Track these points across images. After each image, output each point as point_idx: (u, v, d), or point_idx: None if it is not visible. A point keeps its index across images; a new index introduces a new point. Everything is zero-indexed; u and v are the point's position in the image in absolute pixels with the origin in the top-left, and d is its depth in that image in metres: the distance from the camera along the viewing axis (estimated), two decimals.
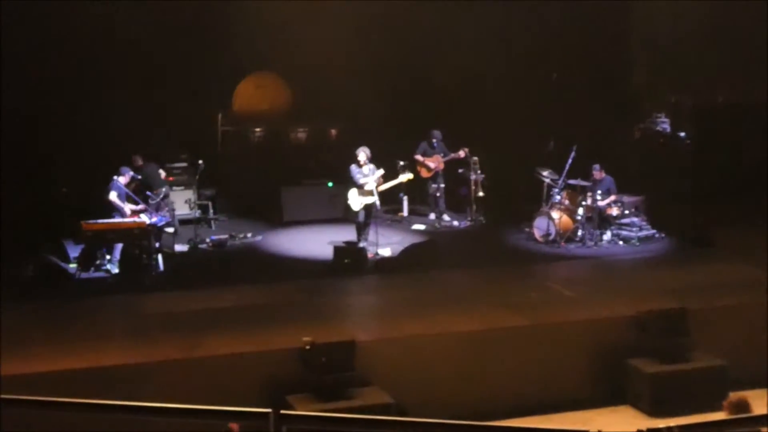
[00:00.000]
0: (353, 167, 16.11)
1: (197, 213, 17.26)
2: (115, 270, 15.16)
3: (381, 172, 16.40)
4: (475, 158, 17.92)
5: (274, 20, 18.52)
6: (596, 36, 20.17)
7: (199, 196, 17.44)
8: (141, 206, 15.66)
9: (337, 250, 15.64)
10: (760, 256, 15.62)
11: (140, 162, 16.82)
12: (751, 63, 20.53)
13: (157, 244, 15.57)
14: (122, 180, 15.38)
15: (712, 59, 20.33)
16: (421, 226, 17.89)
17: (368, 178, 16.26)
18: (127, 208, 15.50)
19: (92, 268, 15.26)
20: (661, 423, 10.65)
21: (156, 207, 15.97)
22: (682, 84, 21.06)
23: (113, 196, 15.25)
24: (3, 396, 4.92)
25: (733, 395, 10.01)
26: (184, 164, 17.71)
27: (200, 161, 17.35)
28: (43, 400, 5.03)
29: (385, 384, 12.43)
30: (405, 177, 17.12)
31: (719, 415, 9.67)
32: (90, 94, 17.64)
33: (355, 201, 16.30)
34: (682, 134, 21.06)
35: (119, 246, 15.24)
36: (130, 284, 14.92)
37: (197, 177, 17.39)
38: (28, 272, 15.04)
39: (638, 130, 21.16)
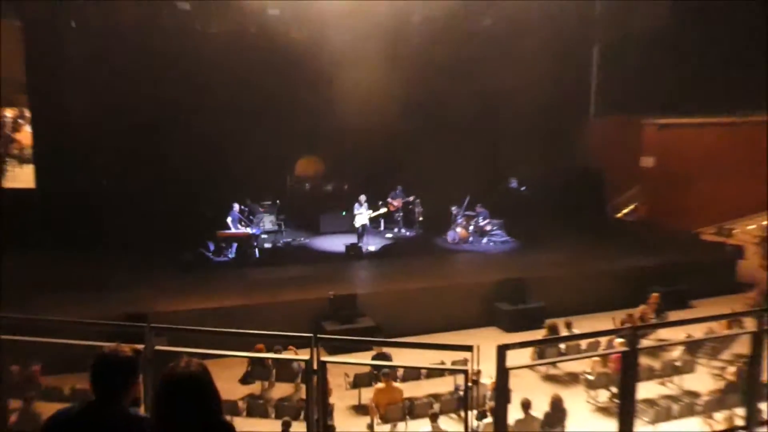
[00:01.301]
0: (356, 205, 19.22)
1: (275, 227, 19.79)
2: (232, 256, 17.87)
3: (370, 212, 19.09)
4: (418, 200, 20.97)
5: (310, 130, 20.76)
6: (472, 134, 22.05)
7: (277, 218, 19.95)
8: (245, 227, 18.21)
9: (347, 247, 18.61)
10: (565, 249, 18.65)
11: (248, 201, 19.47)
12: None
13: (255, 243, 18.28)
14: (235, 209, 18.01)
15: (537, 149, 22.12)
16: (390, 235, 20.90)
17: (363, 210, 19.15)
18: (239, 225, 18.09)
19: (221, 256, 17.88)
20: (516, 336, 14.20)
21: (255, 223, 18.67)
22: (521, 161, 22.75)
23: (229, 219, 17.98)
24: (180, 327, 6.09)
25: (549, 321, 14.48)
26: (269, 202, 20.11)
27: (278, 200, 20.31)
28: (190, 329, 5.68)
29: (371, 315, 14.89)
30: (382, 210, 20.09)
31: (543, 332, 14.08)
32: (222, 161, 19.40)
33: (357, 221, 19.15)
34: (522, 188, 23.37)
35: (235, 244, 18.03)
36: (240, 264, 17.50)
37: (276, 208, 20.03)
38: (188, 257, 17.37)
39: (501, 186, 23.34)
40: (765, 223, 24.33)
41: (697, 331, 12.46)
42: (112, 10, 17.97)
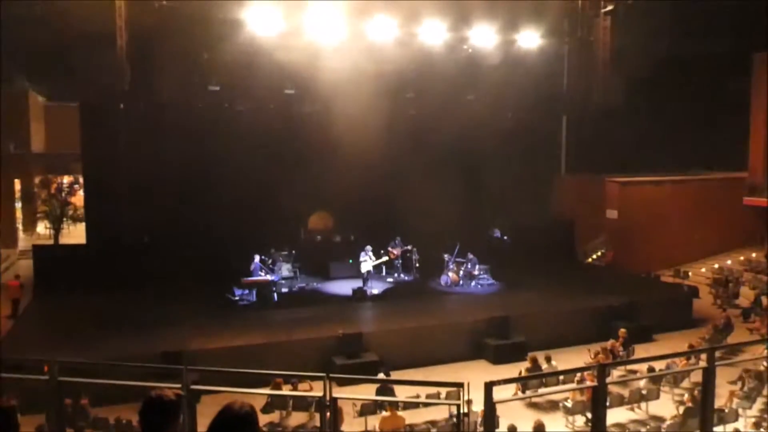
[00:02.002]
0: (362, 253, 19.33)
1: (291, 274, 19.70)
2: (254, 300, 17.85)
3: (374, 260, 19.26)
4: (415, 248, 20.88)
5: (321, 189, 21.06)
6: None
7: (293, 266, 19.85)
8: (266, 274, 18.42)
9: (354, 291, 18.58)
10: (543, 290, 18.77)
11: (272, 251, 19.60)
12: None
13: (273, 288, 18.34)
14: (257, 259, 18.20)
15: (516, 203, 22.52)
16: (391, 279, 20.80)
17: (368, 258, 19.31)
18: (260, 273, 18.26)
19: (245, 300, 17.91)
20: (501, 368, 13.85)
21: (275, 271, 18.96)
22: (503, 214, 23.27)
23: (253, 267, 18.12)
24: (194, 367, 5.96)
25: (531, 354, 14.31)
26: (286, 252, 20.09)
27: (293, 251, 20.24)
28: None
29: (375, 350, 14.91)
30: (384, 258, 20.30)
31: (525, 364, 13.86)
32: (247, 217, 19.87)
33: (363, 267, 19.21)
34: (505, 237, 23.57)
35: (258, 289, 17.99)
36: (261, 306, 17.56)
37: (292, 257, 20.06)
38: (216, 302, 17.50)
39: (486, 235, 23.64)
40: (716, 266, 24.63)
41: (660, 363, 12.76)
42: (154, 92, 18.37)
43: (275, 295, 18.19)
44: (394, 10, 18.85)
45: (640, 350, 15.05)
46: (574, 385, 11.77)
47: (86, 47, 16.52)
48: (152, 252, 18.91)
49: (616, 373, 13.35)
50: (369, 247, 19.35)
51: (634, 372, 13.93)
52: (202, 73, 19.18)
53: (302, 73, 19.59)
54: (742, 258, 25.11)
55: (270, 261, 18.98)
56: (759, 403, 12.18)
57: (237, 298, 17.83)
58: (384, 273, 20.78)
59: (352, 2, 18.16)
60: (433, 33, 19.66)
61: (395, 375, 13.47)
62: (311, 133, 21.00)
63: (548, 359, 13.77)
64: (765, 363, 12.72)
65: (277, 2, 17.75)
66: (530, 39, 20.80)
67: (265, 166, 20.35)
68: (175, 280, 17.39)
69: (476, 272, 20.04)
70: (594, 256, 24.97)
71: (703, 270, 24.52)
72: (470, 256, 20.27)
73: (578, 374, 11.44)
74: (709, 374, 5.50)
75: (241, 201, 19.79)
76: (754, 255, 24.98)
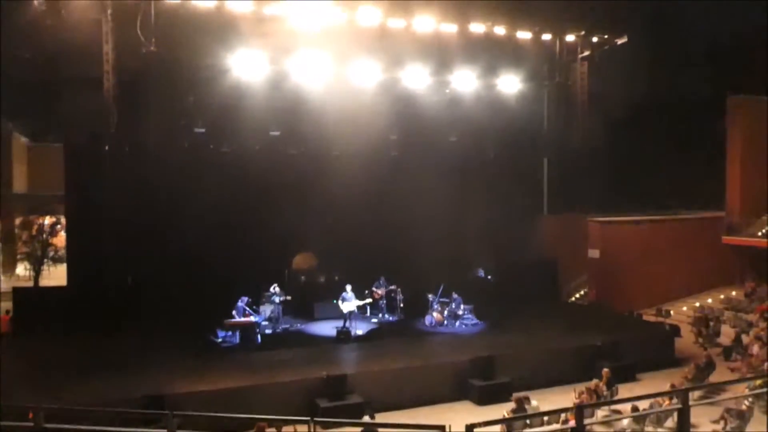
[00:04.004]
0: (344, 294, 19.10)
1: (276, 315, 19.38)
2: (237, 341, 17.60)
3: (357, 301, 19.05)
4: (399, 288, 20.82)
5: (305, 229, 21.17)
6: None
7: (279, 302, 19.42)
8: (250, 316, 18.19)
9: (338, 331, 18.48)
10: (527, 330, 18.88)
11: (263, 291, 19.40)
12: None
13: (257, 330, 18.10)
14: (240, 303, 18.00)
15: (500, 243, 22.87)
16: (375, 320, 20.53)
17: (351, 298, 19.05)
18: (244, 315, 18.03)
19: (229, 342, 17.40)
20: (486, 409, 13.76)
21: (259, 312, 18.70)
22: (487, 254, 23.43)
23: (235, 311, 17.94)
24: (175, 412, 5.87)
25: (516, 394, 14.28)
26: (275, 291, 19.48)
27: (278, 290, 19.60)
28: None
29: (360, 391, 14.72)
30: (368, 300, 19.90)
31: (510, 405, 13.75)
32: (229, 259, 19.80)
33: (345, 308, 18.95)
34: (489, 277, 23.65)
35: (241, 331, 17.75)
36: (245, 348, 17.29)
37: (281, 296, 19.51)
38: (199, 344, 17.31)
39: (470, 275, 23.81)
40: (696, 304, 24.88)
41: (644, 403, 12.67)
42: (139, 134, 18.51)
43: (259, 336, 18.02)
44: (378, 55, 19.38)
45: (624, 390, 15.05)
46: (558, 426, 11.81)
47: (73, 90, 16.76)
48: (134, 294, 18.75)
49: (600, 413, 13.44)
50: (349, 287, 19.27)
51: (618, 412, 13.79)
52: (188, 116, 19.33)
53: (287, 116, 20.08)
54: (722, 297, 25.41)
55: (251, 302, 18.46)
56: None
57: (220, 340, 17.66)
58: (368, 313, 20.57)
59: (337, 47, 18.55)
60: (416, 77, 20.27)
61: (380, 417, 13.37)
62: (296, 174, 21.14)
63: (527, 400, 13.69)
64: (746, 402, 12.85)
65: (261, 48, 18.23)
66: (511, 83, 21.44)
67: (249, 207, 20.35)
68: (158, 323, 17.21)
69: (460, 312, 19.97)
70: (577, 295, 25.35)
71: (684, 309, 24.77)
72: (454, 296, 20.22)
73: (563, 415, 11.51)
74: (683, 414, 5.65)
75: (225, 242, 19.71)
76: (734, 293, 25.34)
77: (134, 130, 18.22)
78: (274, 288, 19.57)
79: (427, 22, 19.23)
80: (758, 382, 12.85)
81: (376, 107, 20.41)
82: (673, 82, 25.10)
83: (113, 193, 19.16)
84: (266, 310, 19.23)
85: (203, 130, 19.77)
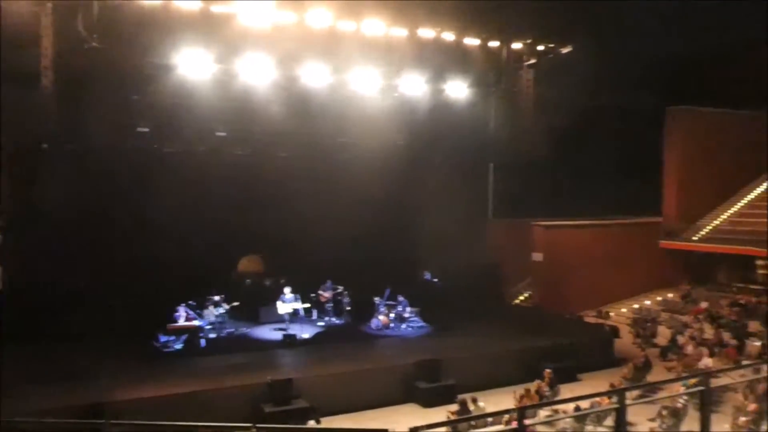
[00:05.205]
0: (282, 296, 19.06)
1: (220, 319, 19.14)
2: (180, 346, 17.46)
3: (296, 304, 19.04)
4: (346, 291, 20.92)
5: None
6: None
7: (223, 309, 19.24)
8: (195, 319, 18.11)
9: (284, 335, 18.40)
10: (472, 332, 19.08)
11: (208, 296, 19.18)
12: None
13: (201, 334, 17.93)
14: (182, 307, 17.88)
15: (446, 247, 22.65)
16: (322, 323, 20.54)
17: (290, 300, 19.07)
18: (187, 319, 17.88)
19: (171, 347, 17.46)
20: (432, 411, 13.92)
21: (201, 316, 18.53)
22: (433, 257, 23.04)
23: (177, 314, 17.84)
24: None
25: (461, 396, 14.57)
26: (217, 297, 19.30)
27: (223, 296, 19.48)
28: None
29: (305, 396, 14.70)
30: (307, 304, 19.62)
31: (455, 407, 14.03)
32: (174, 261, 19.11)
33: (280, 309, 19.00)
34: (436, 280, 23.48)
35: (184, 336, 17.62)
36: (188, 353, 17.19)
37: (222, 302, 19.35)
38: (141, 350, 16.99)
39: (417, 278, 23.40)
40: (635, 306, 25.75)
41: (585, 403, 12.90)
42: (81, 131, 17.92)
43: (202, 341, 17.78)
44: (327, 57, 19.35)
45: (566, 390, 15.37)
46: (502, 427, 12.01)
47: (9, 86, 15.90)
48: (74, 299, 17.81)
49: (542, 413, 13.75)
50: (288, 289, 19.16)
51: (560, 411, 14.28)
52: (132, 115, 18.90)
53: (234, 116, 19.85)
54: (659, 299, 26.26)
55: (195, 306, 18.33)
56: None
57: (162, 344, 17.35)
58: (315, 317, 20.53)
59: (286, 49, 18.50)
60: (365, 80, 20.36)
61: (326, 422, 13.42)
62: (242, 175, 20.92)
63: (474, 401, 13.91)
64: (681, 400, 13.30)
65: (208, 47, 18.01)
66: (459, 88, 21.76)
67: (195, 209, 20.04)
68: (99, 329, 16.54)
69: (407, 315, 20.17)
70: (520, 298, 25.82)
71: (624, 310, 25.56)
72: (401, 298, 20.39)
73: (506, 416, 11.77)
74: (620, 414, 5.90)
75: (169, 244, 19.19)
76: (670, 296, 26.21)
77: (75, 129, 17.68)
78: (219, 298, 19.29)
79: (377, 26, 19.31)
80: (693, 381, 12.98)
81: (324, 109, 20.40)
82: (616, 90, 25.63)
83: (52, 195, 18.26)
84: (210, 314, 18.91)
85: (147, 130, 19.34)
